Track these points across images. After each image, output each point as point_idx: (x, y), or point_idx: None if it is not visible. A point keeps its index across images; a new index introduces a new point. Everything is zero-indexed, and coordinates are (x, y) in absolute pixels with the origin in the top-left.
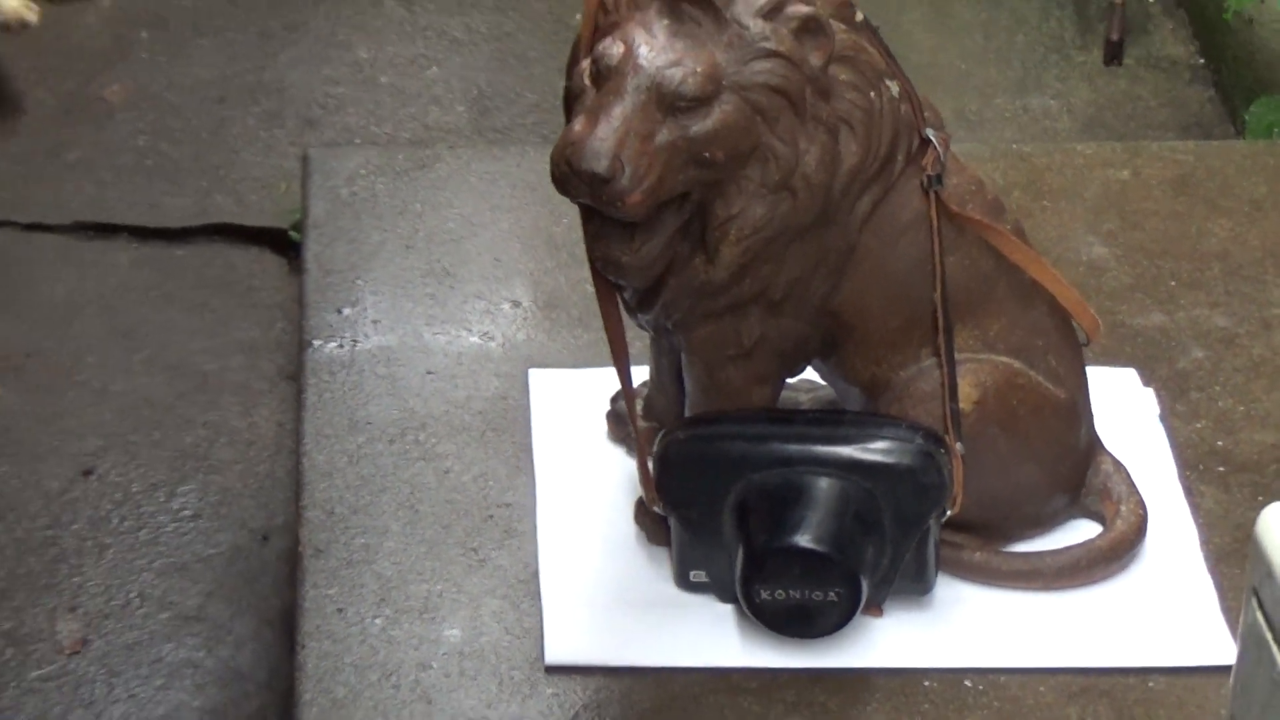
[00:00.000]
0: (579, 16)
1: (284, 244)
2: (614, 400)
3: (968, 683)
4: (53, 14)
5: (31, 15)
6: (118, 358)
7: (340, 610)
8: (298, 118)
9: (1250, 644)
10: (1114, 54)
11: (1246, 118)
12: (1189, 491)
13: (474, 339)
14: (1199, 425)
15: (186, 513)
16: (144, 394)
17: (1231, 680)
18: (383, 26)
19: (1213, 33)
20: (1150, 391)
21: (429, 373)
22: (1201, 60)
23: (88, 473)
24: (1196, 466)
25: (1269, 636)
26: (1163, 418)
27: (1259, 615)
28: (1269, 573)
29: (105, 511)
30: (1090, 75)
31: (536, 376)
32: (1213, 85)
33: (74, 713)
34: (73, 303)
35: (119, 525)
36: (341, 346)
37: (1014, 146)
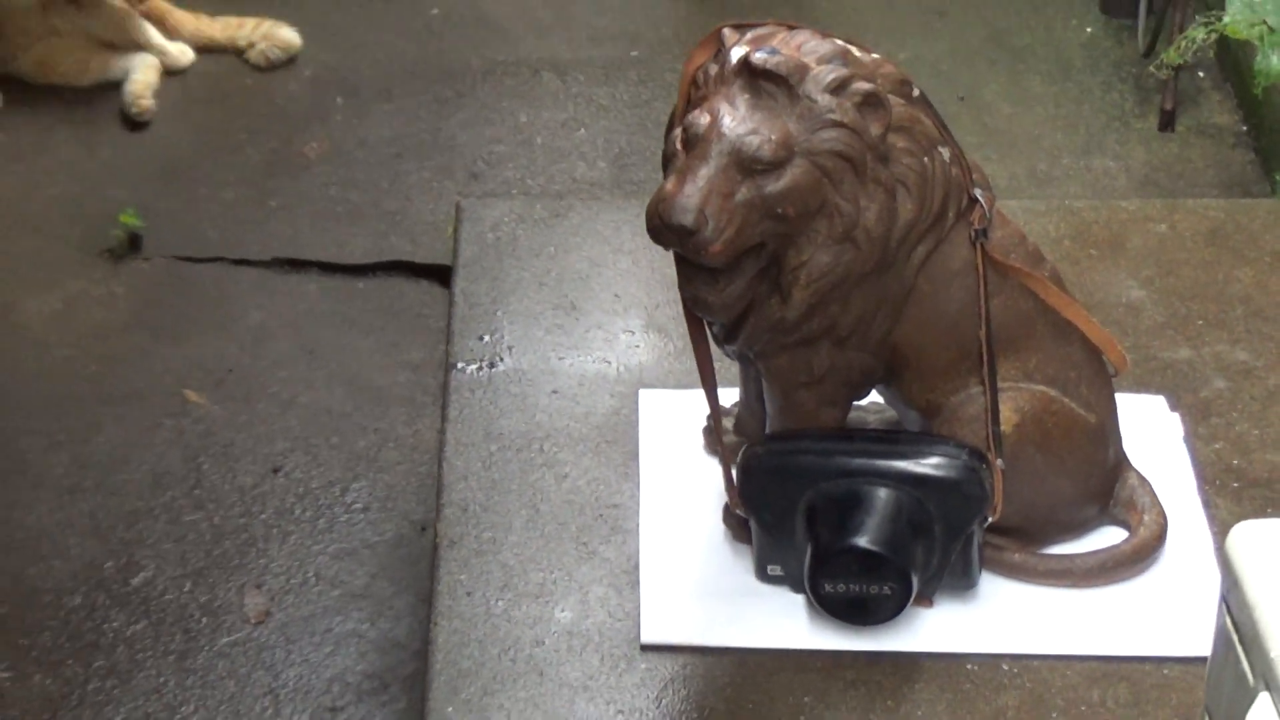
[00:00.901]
0: None
1: (448, 278)
2: (708, 418)
3: (1005, 666)
4: (262, 81)
5: (148, 101)
6: (304, 373)
7: (469, 593)
8: (464, 171)
9: (1220, 644)
10: (1167, 121)
11: (1278, 179)
12: (1207, 504)
13: (593, 363)
14: (1218, 446)
15: (357, 506)
16: (325, 404)
17: (1206, 674)
18: (540, 95)
19: (1254, 104)
20: (1177, 416)
21: (554, 392)
22: (1244, 128)
23: (276, 470)
24: (1214, 482)
25: (1235, 638)
26: (1186, 439)
27: (1228, 620)
28: (1236, 583)
29: (289, 504)
30: (1146, 140)
31: (645, 396)
32: (1253, 150)
33: (256, 673)
34: (268, 326)
35: (300, 515)
36: (481, 369)
37: (1066, 202)
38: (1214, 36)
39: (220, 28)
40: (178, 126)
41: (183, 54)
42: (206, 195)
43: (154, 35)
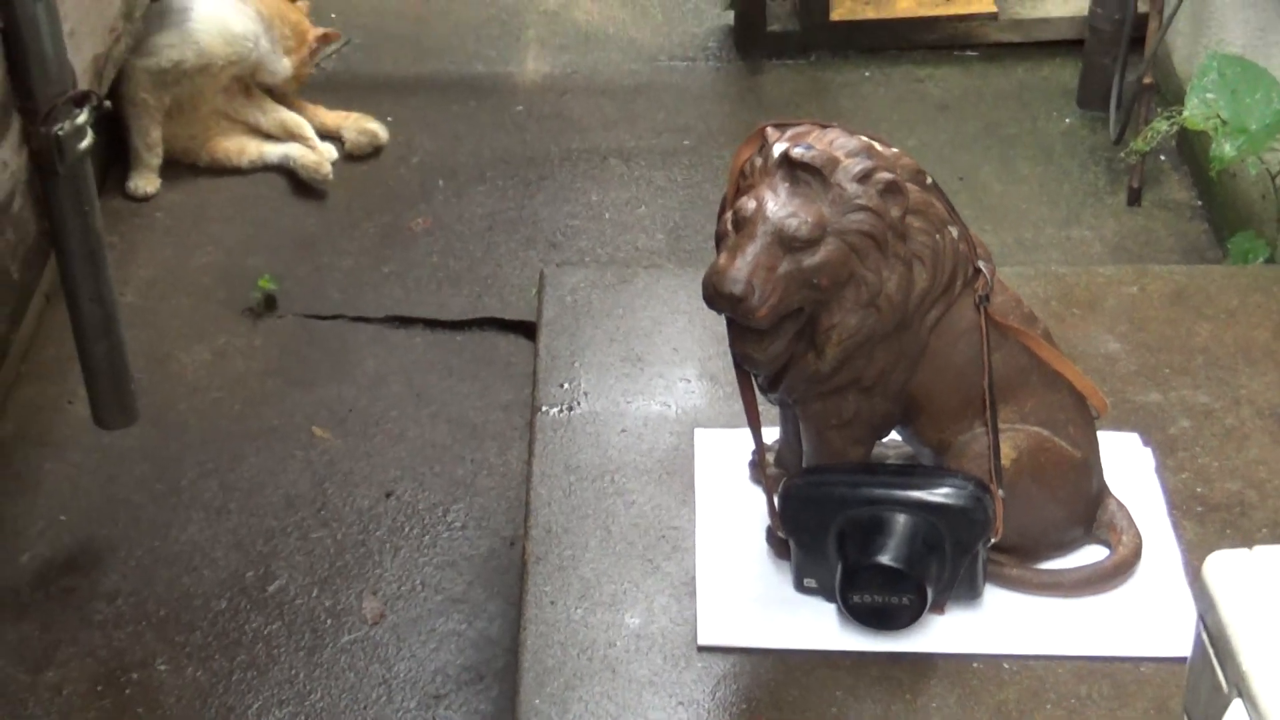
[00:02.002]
0: None
1: (533, 333)
2: (753, 453)
3: (1005, 665)
4: (377, 167)
5: (328, 168)
6: (412, 413)
7: (552, 602)
8: (545, 242)
9: (1198, 657)
10: (1135, 198)
11: (1229, 247)
12: (1175, 526)
13: (656, 406)
14: (1184, 476)
15: (457, 524)
16: (430, 438)
17: (1185, 681)
18: (608, 177)
19: (1208, 183)
20: (1149, 450)
21: (622, 431)
22: (1199, 203)
23: (389, 495)
24: (1181, 507)
25: (1211, 652)
26: (1157, 470)
27: (1204, 635)
28: (1211, 604)
29: (400, 523)
30: (1117, 213)
31: (700, 435)
32: (1207, 221)
33: (373, 666)
34: (382, 373)
35: (409, 532)
36: (561, 411)
37: (1051, 268)
38: (1175, 128)
39: (332, 118)
40: (307, 205)
41: (329, 153)
42: (330, 263)
43: (310, 132)
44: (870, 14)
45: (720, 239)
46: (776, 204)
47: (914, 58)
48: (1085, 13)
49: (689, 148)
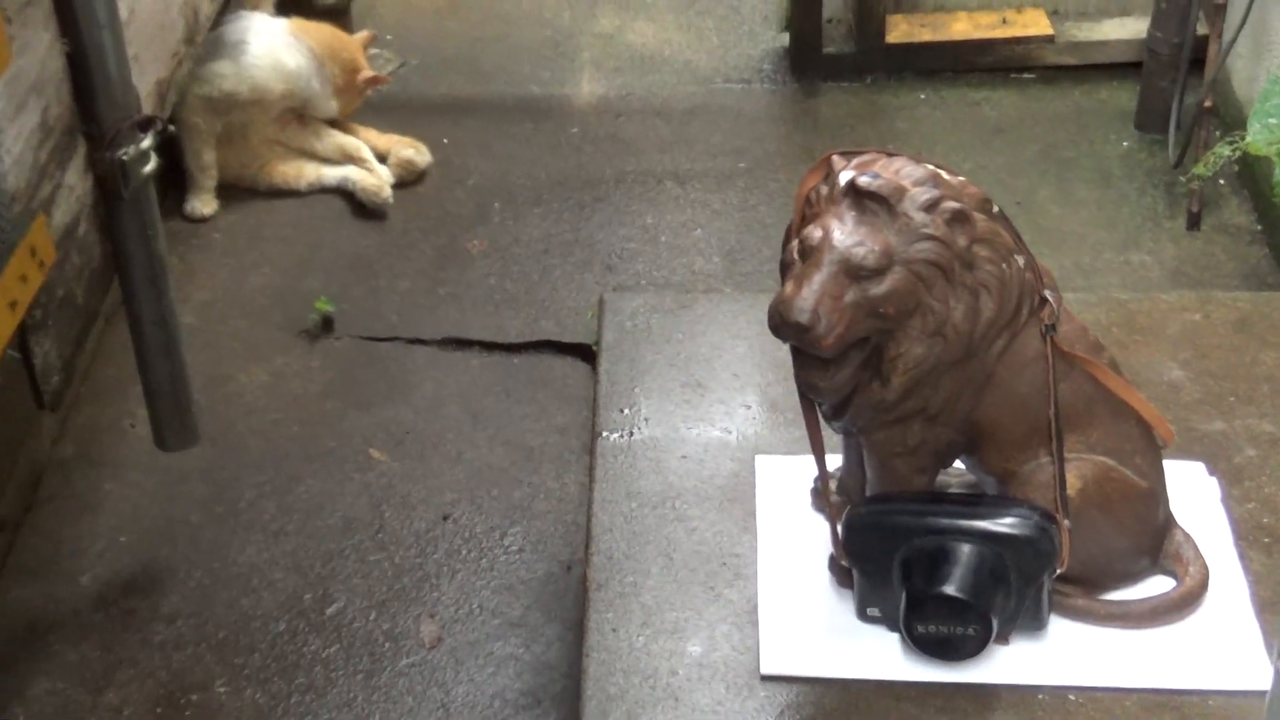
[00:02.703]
0: None
1: (589, 355)
2: (816, 480)
3: (1071, 696)
4: (433, 189)
5: (388, 191)
6: (469, 435)
7: (614, 629)
8: (601, 265)
9: (1277, 687)
10: (1194, 222)
11: None
12: (1242, 556)
13: (716, 432)
14: (1250, 506)
15: (514, 548)
16: (487, 461)
17: (1266, 704)
18: (664, 200)
19: (1269, 207)
20: (1214, 480)
21: (683, 457)
22: (1259, 227)
23: (446, 518)
24: (1248, 537)
25: None
26: (1223, 500)
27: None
28: None
29: (457, 546)
30: (1176, 238)
31: (761, 461)
32: (1267, 246)
33: (431, 690)
34: (439, 395)
35: (467, 555)
36: (622, 437)
37: (1114, 294)
38: (1238, 153)
39: (382, 141)
40: (363, 228)
41: (387, 175)
42: (387, 285)
43: (368, 154)
44: (926, 36)
45: (786, 267)
46: (843, 233)
47: (970, 80)
48: (1143, 35)
49: (744, 170)
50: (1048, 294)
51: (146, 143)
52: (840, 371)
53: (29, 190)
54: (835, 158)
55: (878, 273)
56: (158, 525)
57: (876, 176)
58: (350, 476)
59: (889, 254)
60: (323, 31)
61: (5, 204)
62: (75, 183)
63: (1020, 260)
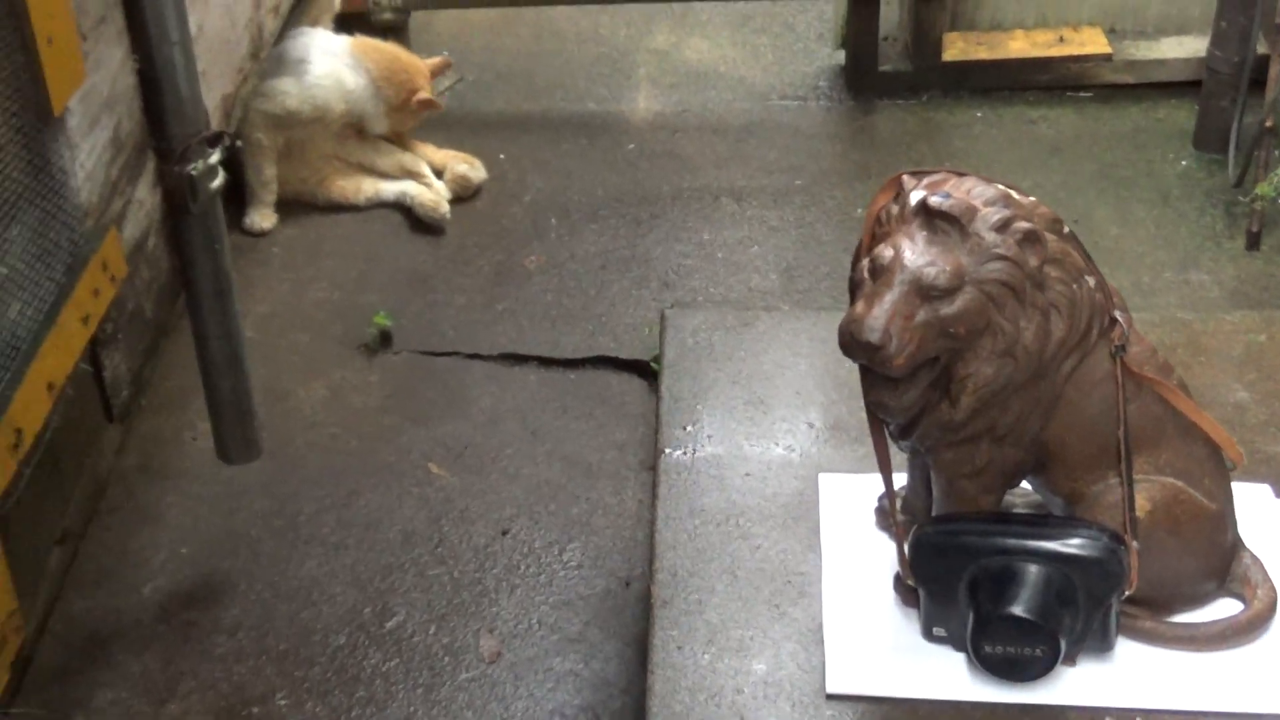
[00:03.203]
0: (859, 211)
1: (646, 372)
2: (880, 500)
3: (1138, 719)
4: (490, 205)
5: (446, 206)
6: (527, 450)
7: (680, 647)
8: (658, 281)
9: None
10: (1253, 242)
11: None
12: None
13: (780, 450)
14: None
15: (573, 563)
16: (545, 477)
17: None
18: (720, 217)
19: None
20: None
21: (747, 474)
22: None
23: (505, 533)
24: None
25: None
26: None
27: None
28: None
29: (516, 561)
30: (1235, 258)
31: (825, 479)
32: None
33: (490, 705)
34: (497, 410)
35: (525, 571)
36: (685, 454)
37: (1178, 315)
38: None
39: (439, 156)
40: (421, 243)
41: (445, 191)
42: (444, 300)
43: (426, 170)
44: (983, 54)
45: (856, 286)
46: (914, 252)
47: (1026, 99)
48: (1200, 54)
49: (801, 187)
50: (1118, 315)
51: (215, 158)
52: (909, 391)
53: (101, 205)
54: (906, 177)
55: (949, 293)
56: (218, 538)
57: (948, 196)
58: (409, 491)
59: (960, 274)
60: (384, 53)
61: (79, 219)
62: (145, 197)
63: (1091, 281)
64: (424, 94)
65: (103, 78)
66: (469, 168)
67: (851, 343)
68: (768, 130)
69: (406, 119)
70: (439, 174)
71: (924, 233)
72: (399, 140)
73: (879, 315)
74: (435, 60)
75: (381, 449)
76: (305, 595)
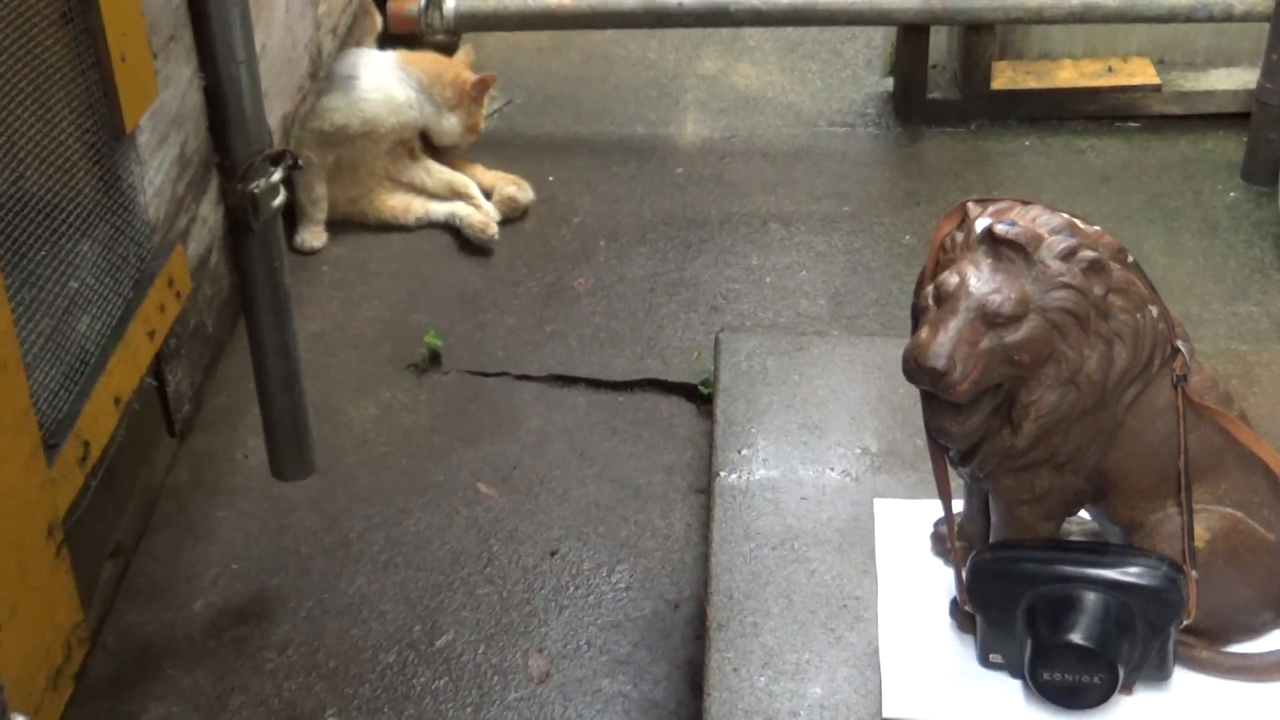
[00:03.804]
0: (907, 238)
1: (695, 395)
2: (936, 525)
3: None
4: (539, 227)
5: (494, 228)
6: (576, 472)
7: (735, 669)
8: (706, 305)
9: None
10: None
11: None
12: None
13: (835, 475)
14: None
15: (621, 585)
16: (594, 498)
17: None
18: (769, 242)
19: None
20: None
21: (802, 498)
22: None
23: (553, 553)
24: None
25: None
26: None
27: None
28: None
29: (564, 582)
30: None
31: (880, 505)
32: None
33: None
34: (546, 431)
35: (574, 592)
36: (740, 477)
37: (1232, 346)
38: None
39: (488, 178)
40: (470, 264)
41: (494, 212)
42: (494, 320)
43: (476, 191)
44: (1031, 83)
45: (920, 313)
46: (979, 280)
47: (1074, 128)
48: (1249, 85)
49: (849, 214)
50: (1180, 345)
51: (277, 176)
52: (972, 417)
53: (168, 222)
54: (971, 205)
55: (1014, 320)
56: (269, 554)
57: (1013, 224)
58: (458, 510)
59: (1025, 301)
60: (425, 59)
61: (147, 235)
62: (208, 214)
63: (1154, 310)
64: (471, 76)
65: (171, 95)
66: (517, 189)
67: (916, 368)
68: (815, 156)
69: (471, 108)
70: (488, 195)
71: (989, 260)
72: (449, 159)
73: (944, 342)
74: (461, 52)
75: (431, 468)
76: (355, 612)
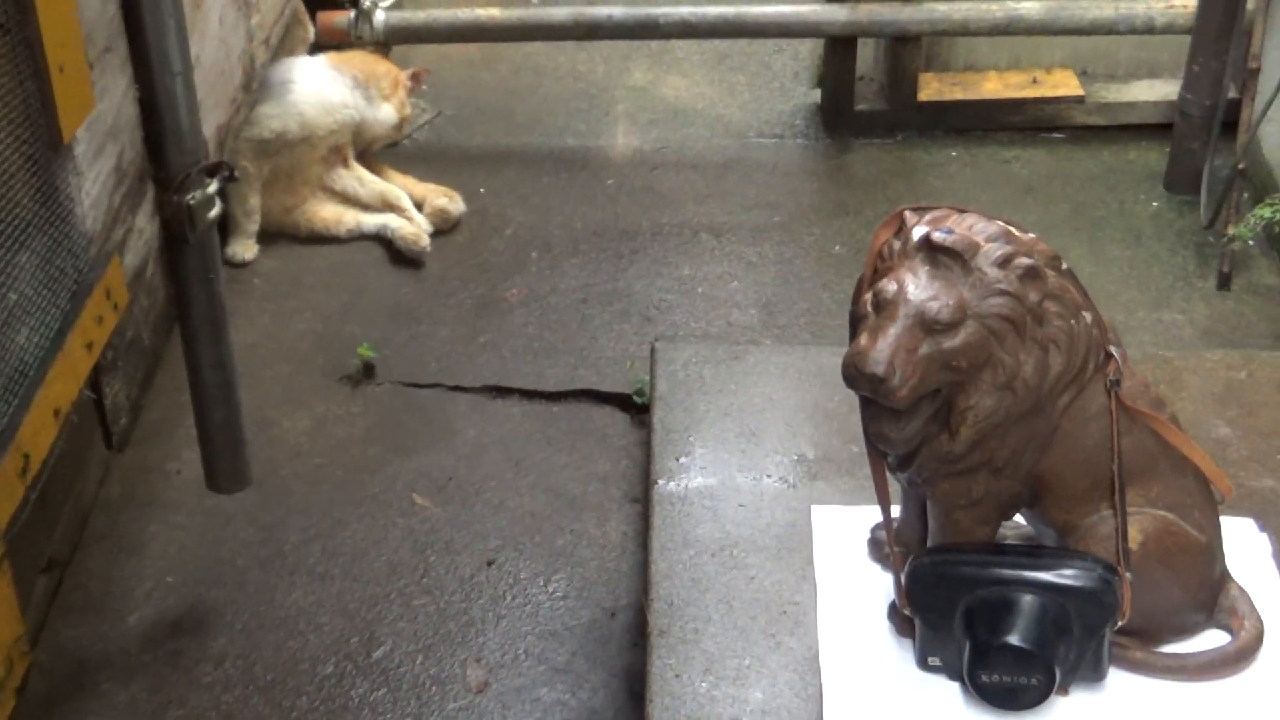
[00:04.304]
0: (837, 248)
1: (629, 405)
2: (873, 530)
3: None
4: (471, 239)
5: (426, 240)
6: (511, 482)
7: (677, 675)
8: (639, 315)
9: None
10: (1224, 282)
11: None
12: None
13: (772, 482)
14: None
15: (558, 594)
16: (529, 508)
17: None
18: (700, 252)
19: None
20: (1265, 536)
21: (740, 505)
22: None
23: (490, 563)
24: None
25: None
26: (1275, 555)
27: None
28: None
29: (501, 591)
30: (1207, 297)
31: (817, 511)
32: None
33: None
34: (480, 442)
35: (511, 601)
36: (678, 485)
37: (1161, 352)
38: (1279, 215)
39: (419, 189)
40: (403, 275)
41: (426, 224)
42: (427, 332)
43: (408, 203)
44: (958, 95)
45: (859, 320)
46: (917, 287)
47: (1000, 139)
48: (1170, 97)
49: (779, 224)
50: (1113, 350)
51: (213, 187)
52: (911, 423)
53: (104, 233)
54: (908, 213)
55: (951, 326)
56: (204, 567)
57: (950, 232)
58: (394, 521)
59: (963, 308)
60: (356, 56)
61: (84, 246)
62: (144, 226)
63: (1088, 316)
64: (406, 73)
65: (107, 106)
66: (448, 201)
67: (856, 375)
68: (745, 167)
69: (405, 101)
70: (419, 207)
71: (927, 267)
72: (379, 170)
73: (883, 348)
74: (413, 70)
75: (366, 479)
76: (292, 624)
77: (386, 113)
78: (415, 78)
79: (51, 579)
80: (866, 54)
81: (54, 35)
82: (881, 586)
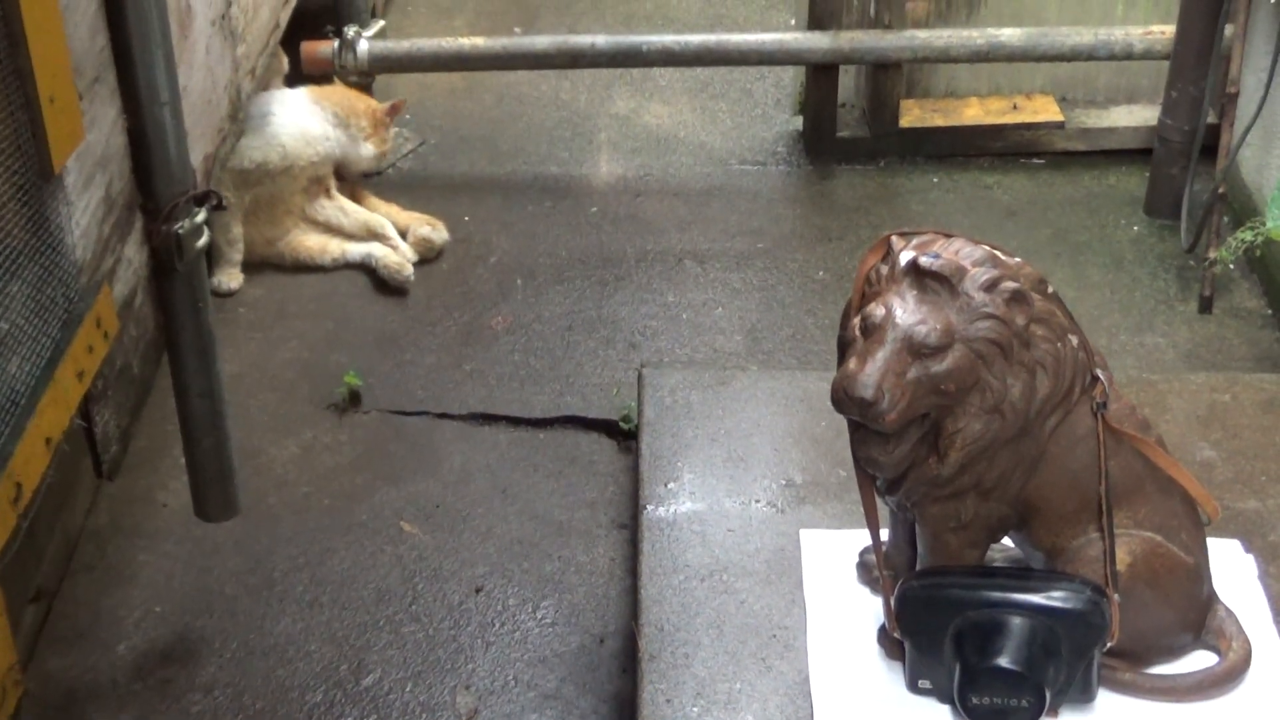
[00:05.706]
0: (821, 274)
1: (615, 431)
2: (862, 554)
3: None
4: (456, 267)
5: (409, 269)
6: (499, 509)
7: (668, 700)
8: (624, 342)
9: None
10: (1206, 306)
11: None
12: None
13: (761, 506)
14: None
15: (547, 621)
16: (517, 535)
17: None
18: (684, 279)
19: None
20: (1251, 558)
21: (729, 530)
22: (1269, 311)
23: (478, 590)
24: None
25: None
26: (1260, 577)
27: None
28: None
29: (490, 618)
30: (1189, 321)
31: (806, 535)
32: (1279, 330)
33: None
34: (467, 469)
35: (500, 628)
36: (667, 510)
37: (1144, 375)
38: (1261, 239)
39: (403, 218)
40: (388, 304)
41: (410, 253)
42: (413, 360)
43: (392, 232)
44: (939, 121)
45: (847, 344)
46: (905, 311)
47: (981, 165)
48: (1150, 122)
49: (762, 250)
50: (1099, 373)
51: (201, 217)
52: (900, 447)
53: (94, 262)
54: (895, 238)
55: (939, 350)
56: (192, 596)
57: (938, 256)
58: (382, 549)
59: (950, 332)
60: (335, 91)
61: (74, 275)
62: (133, 255)
63: (1074, 339)
64: (384, 106)
65: (97, 137)
66: (432, 230)
67: (845, 399)
68: (728, 194)
69: (385, 137)
70: (403, 236)
71: (914, 292)
72: (363, 199)
73: (872, 372)
74: (391, 103)
75: (354, 507)
76: (281, 653)
77: (367, 150)
78: (393, 110)
79: (39, 609)
80: (848, 81)
81: (45, 66)
82: (871, 610)
